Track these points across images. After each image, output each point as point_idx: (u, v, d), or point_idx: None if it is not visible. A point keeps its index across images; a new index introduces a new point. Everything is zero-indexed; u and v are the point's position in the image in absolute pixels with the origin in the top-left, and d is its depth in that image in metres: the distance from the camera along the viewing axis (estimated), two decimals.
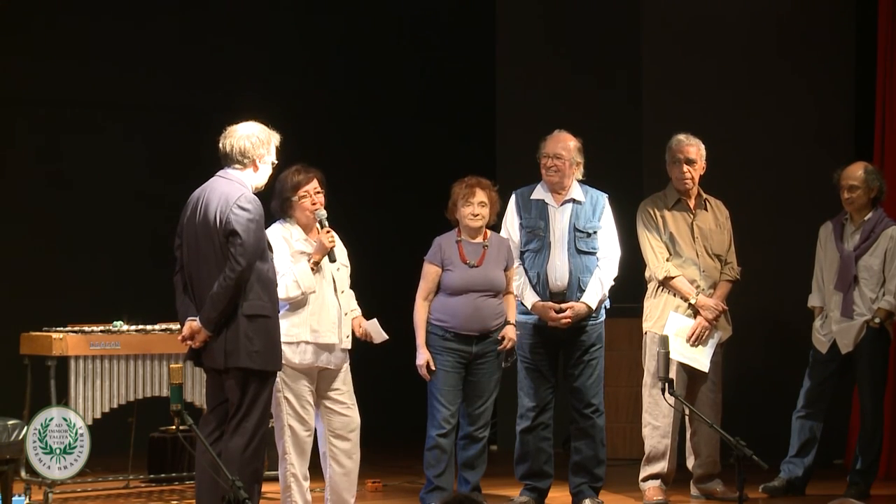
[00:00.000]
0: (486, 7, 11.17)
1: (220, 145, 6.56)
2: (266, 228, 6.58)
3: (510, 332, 7.63)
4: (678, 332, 8.00)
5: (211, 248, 6.41)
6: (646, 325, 8.27)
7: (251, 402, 6.43)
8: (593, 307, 7.75)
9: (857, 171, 8.30)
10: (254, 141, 6.53)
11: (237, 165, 6.53)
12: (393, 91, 11.70)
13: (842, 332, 8.25)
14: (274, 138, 6.62)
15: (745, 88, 9.87)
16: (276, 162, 6.65)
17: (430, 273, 7.61)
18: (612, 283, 7.84)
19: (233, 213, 6.37)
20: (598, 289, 7.75)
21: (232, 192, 6.43)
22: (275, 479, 8.54)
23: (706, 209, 8.26)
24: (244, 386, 6.41)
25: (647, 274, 8.27)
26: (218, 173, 6.57)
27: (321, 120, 11.31)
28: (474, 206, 7.58)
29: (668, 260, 8.14)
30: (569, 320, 7.68)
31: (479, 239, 7.66)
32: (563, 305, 7.70)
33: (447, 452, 7.59)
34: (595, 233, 7.79)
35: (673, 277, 8.10)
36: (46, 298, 10.10)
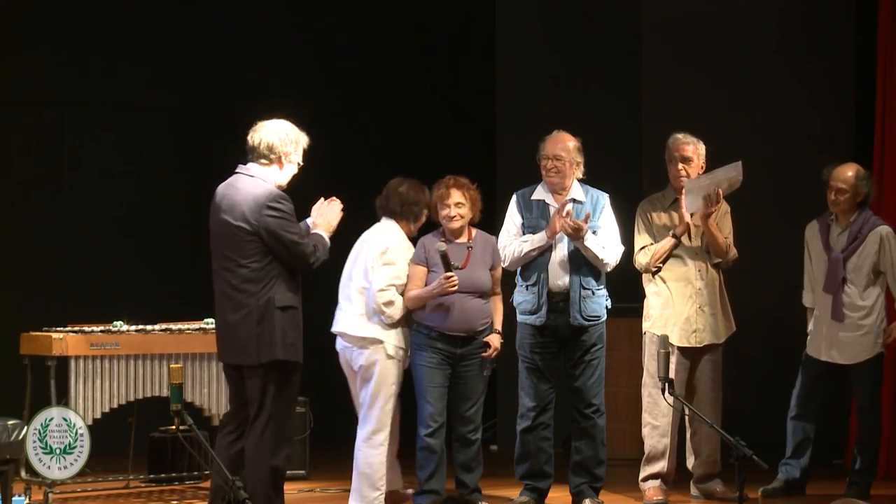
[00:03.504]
0: (486, 8, 11.17)
1: (249, 138, 6.56)
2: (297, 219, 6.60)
3: (495, 341, 7.60)
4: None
5: (234, 246, 6.41)
6: (645, 325, 8.28)
7: (276, 397, 6.42)
8: (588, 238, 7.63)
9: (846, 174, 8.26)
10: (282, 137, 6.54)
11: (262, 160, 6.52)
12: (393, 92, 11.70)
13: (837, 344, 8.23)
14: (303, 139, 6.62)
15: (744, 90, 9.87)
16: (302, 164, 6.63)
17: (417, 273, 7.55)
18: (610, 263, 7.76)
19: (266, 214, 6.36)
20: (599, 242, 7.70)
21: (259, 192, 6.42)
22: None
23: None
24: (270, 381, 6.40)
25: (643, 276, 8.28)
26: (240, 169, 6.56)
27: (321, 120, 11.24)
28: (450, 207, 7.56)
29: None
30: (571, 221, 7.60)
31: (464, 239, 7.63)
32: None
33: (436, 452, 7.55)
34: (595, 232, 7.78)
35: (650, 255, 8.10)
36: (46, 298, 10.09)
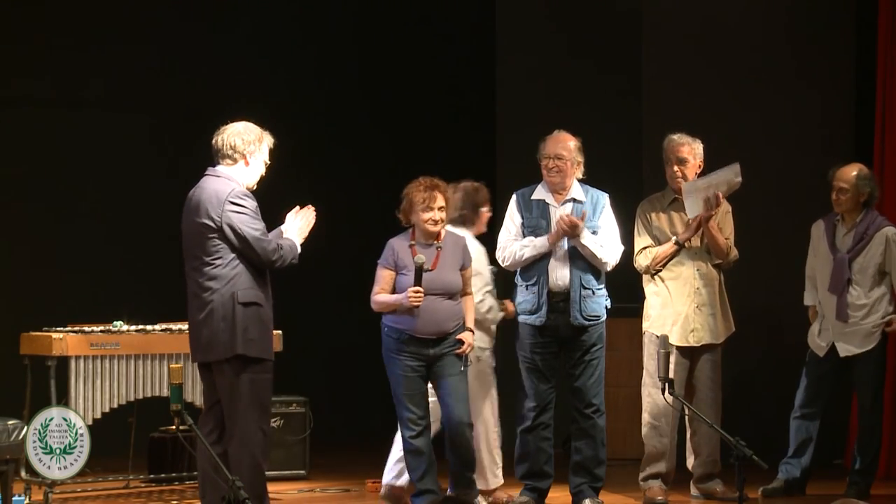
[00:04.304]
0: (486, 7, 11.17)
1: (213, 141, 6.66)
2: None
3: (468, 338, 7.48)
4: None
5: (200, 245, 6.48)
6: (645, 325, 8.28)
7: (242, 394, 6.44)
8: (587, 239, 7.61)
9: (848, 174, 8.27)
10: (245, 137, 6.61)
11: (227, 161, 6.61)
12: (393, 91, 11.70)
13: (845, 336, 8.23)
14: (266, 138, 6.68)
15: (745, 88, 9.88)
16: (269, 162, 6.68)
17: (384, 277, 7.44)
18: (609, 262, 7.73)
19: (228, 210, 6.42)
20: (598, 241, 7.66)
21: (222, 189, 6.50)
22: (274, 480, 8.59)
23: None
24: (235, 378, 6.43)
25: (643, 276, 8.29)
26: (207, 171, 6.64)
27: (321, 120, 11.31)
28: (435, 211, 7.41)
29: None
30: (571, 219, 7.57)
31: (433, 240, 7.50)
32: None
33: (424, 453, 7.46)
34: (595, 232, 7.77)
35: (651, 258, 8.11)
36: (46, 298, 10.09)
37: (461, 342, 7.46)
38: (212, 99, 10.52)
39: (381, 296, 7.44)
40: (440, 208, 7.42)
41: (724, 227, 8.22)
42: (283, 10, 11.39)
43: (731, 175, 8.08)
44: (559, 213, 7.77)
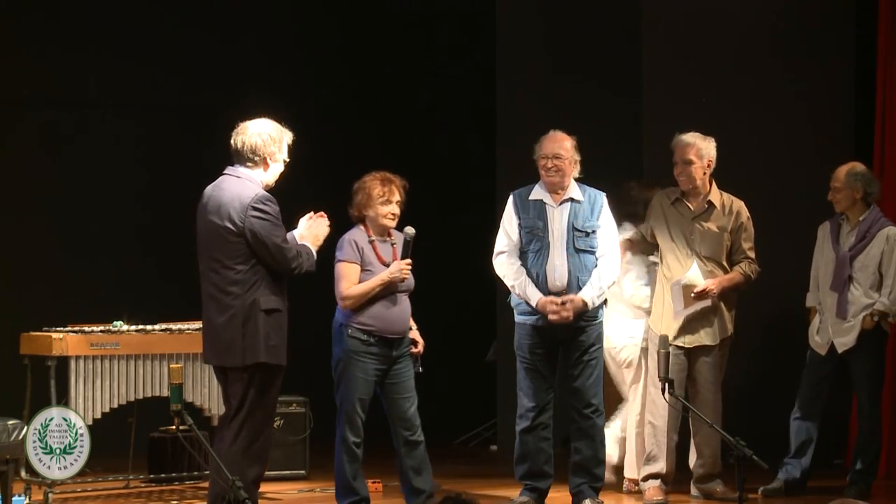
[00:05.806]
0: (486, 8, 11.16)
1: (232, 142, 6.56)
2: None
3: (419, 337, 7.48)
4: (690, 279, 7.99)
5: (220, 248, 6.42)
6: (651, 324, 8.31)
7: (256, 399, 6.42)
8: (590, 304, 7.65)
9: (840, 173, 8.31)
10: (265, 138, 6.53)
11: (248, 163, 6.53)
12: (393, 92, 11.70)
13: (841, 332, 8.25)
14: (286, 136, 6.62)
15: (744, 89, 9.87)
16: (288, 160, 6.65)
17: (352, 271, 7.31)
18: (613, 281, 7.79)
19: (251, 216, 6.36)
20: (595, 285, 7.66)
21: (245, 192, 6.42)
22: (274, 480, 8.59)
23: (711, 211, 8.22)
24: (251, 383, 6.41)
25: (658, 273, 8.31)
26: (227, 170, 6.57)
27: (320, 120, 11.29)
28: (393, 204, 7.38)
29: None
30: (569, 314, 7.59)
31: (387, 237, 7.46)
32: (562, 298, 7.59)
33: (360, 459, 7.38)
34: (594, 232, 7.76)
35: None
36: (46, 298, 10.09)
37: (415, 342, 7.46)
38: (213, 100, 10.54)
39: (357, 287, 7.31)
40: (397, 202, 7.40)
41: (746, 236, 8.20)
42: (286, 13, 11.39)
43: (681, 285, 8.06)
44: (556, 213, 7.76)
